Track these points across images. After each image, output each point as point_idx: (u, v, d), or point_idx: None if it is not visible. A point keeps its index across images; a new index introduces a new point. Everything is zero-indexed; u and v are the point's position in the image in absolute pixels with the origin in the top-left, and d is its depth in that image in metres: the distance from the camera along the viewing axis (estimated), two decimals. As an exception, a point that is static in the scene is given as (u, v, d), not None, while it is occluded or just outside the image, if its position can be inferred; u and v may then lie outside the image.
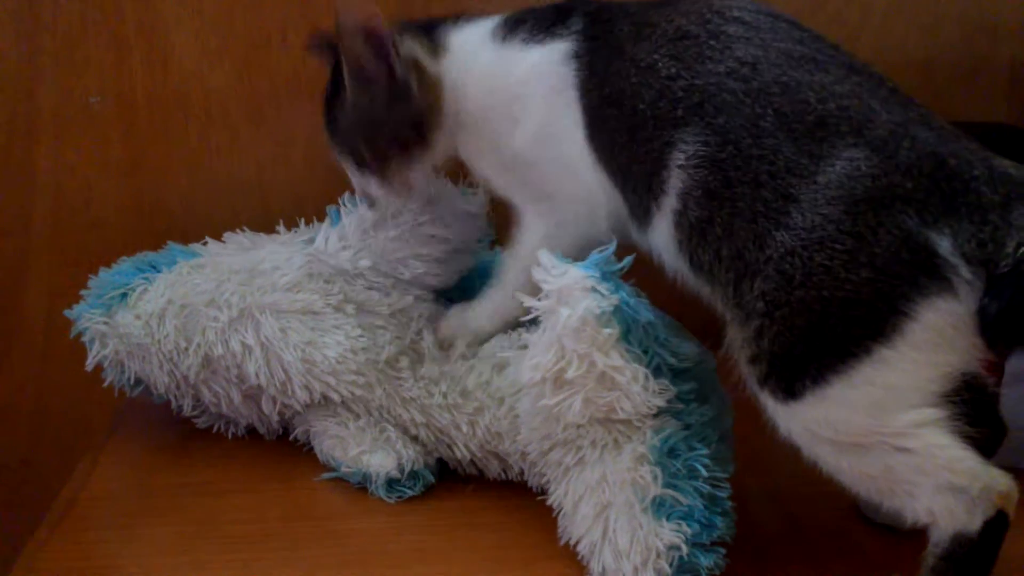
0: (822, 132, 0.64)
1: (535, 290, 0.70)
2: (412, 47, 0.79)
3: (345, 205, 0.89)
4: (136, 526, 0.79)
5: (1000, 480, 0.62)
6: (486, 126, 0.80)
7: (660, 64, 0.71)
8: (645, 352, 0.68)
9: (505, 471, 0.82)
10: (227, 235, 0.95)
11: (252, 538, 0.77)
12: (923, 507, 0.63)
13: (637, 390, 0.67)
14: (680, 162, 0.69)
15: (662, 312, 0.74)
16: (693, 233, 0.69)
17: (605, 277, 0.68)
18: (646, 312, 0.69)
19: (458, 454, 0.83)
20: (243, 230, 0.95)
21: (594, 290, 0.67)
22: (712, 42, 0.69)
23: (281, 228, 0.95)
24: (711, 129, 0.67)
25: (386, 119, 0.79)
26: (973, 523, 0.61)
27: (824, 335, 0.62)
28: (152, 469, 0.88)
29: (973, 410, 0.63)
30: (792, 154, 0.64)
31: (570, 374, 0.67)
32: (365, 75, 0.77)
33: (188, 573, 0.73)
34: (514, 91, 0.78)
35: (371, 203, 0.85)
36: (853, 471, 0.65)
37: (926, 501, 0.62)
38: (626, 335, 0.67)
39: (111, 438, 0.92)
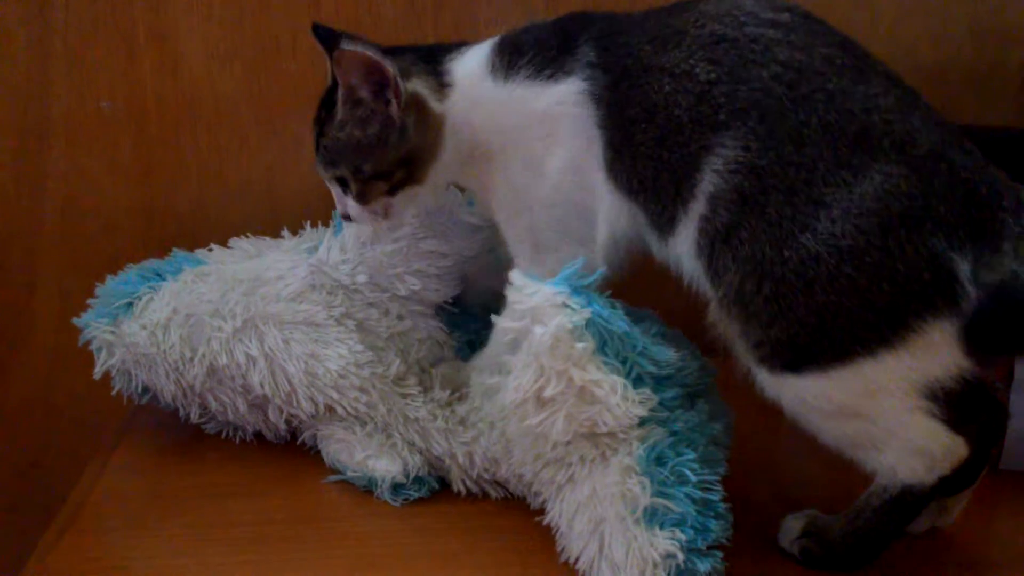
0: (864, 144, 0.65)
1: None
2: (417, 86, 0.77)
3: None
4: (145, 528, 0.79)
5: (961, 446, 0.68)
6: (504, 166, 0.78)
7: (698, 69, 0.70)
8: (623, 362, 0.68)
9: (509, 495, 0.82)
10: (232, 241, 0.95)
11: (260, 540, 0.77)
12: (887, 462, 0.69)
13: (617, 401, 0.67)
14: (716, 167, 0.68)
15: (651, 321, 0.73)
16: (717, 237, 0.69)
17: (576, 291, 0.68)
18: (620, 322, 0.68)
19: (455, 487, 0.82)
20: (249, 236, 0.96)
21: (565, 305, 0.67)
22: (753, 45, 0.69)
23: (286, 233, 0.95)
24: (754, 135, 0.67)
25: (376, 153, 0.78)
26: (929, 479, 0.69)
27: (835, 334, 0.66)
28: (161, 472, 0.88)
29: (968, 400, 0.68)
30: (831, 164, 0.65)
31: (549, 392, 0.67)
32: (360, 107, 0.77)
33: (196, 574, 0.73)
34: (531, 135, 0.77)
35: (348, 219, 0.84)
36: (833, 432, 0.70)
37: (892, 458, 0.69)
38: (602, 347, 0.67)
39: (120, 441, 0.93)
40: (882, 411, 0.67)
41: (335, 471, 0.85)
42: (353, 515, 0.81)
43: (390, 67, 0.74)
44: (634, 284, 0.79)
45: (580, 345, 0.66)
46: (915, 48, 1.08)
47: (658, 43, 0.72)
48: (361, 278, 0.87)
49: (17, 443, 1.16)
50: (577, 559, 0.70)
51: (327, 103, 0.80)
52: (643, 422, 0.69)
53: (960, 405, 0.68)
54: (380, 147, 0.77)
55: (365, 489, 0.83)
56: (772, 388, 0.70)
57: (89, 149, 1.08)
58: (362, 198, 0.80)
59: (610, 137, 0.74)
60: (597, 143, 0.75)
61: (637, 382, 0.69)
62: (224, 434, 0.92)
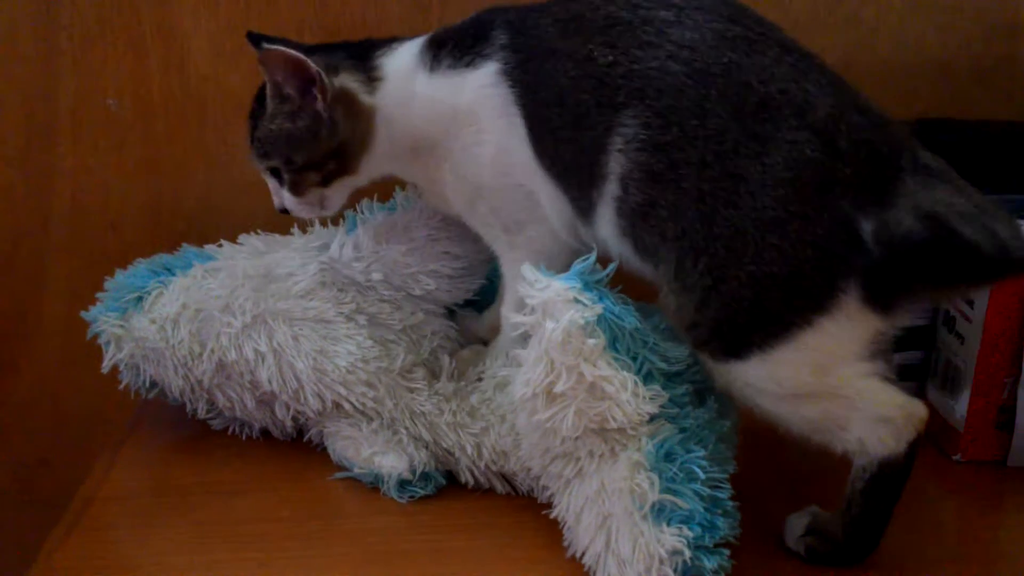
0: (765, 114, 0.67)
1: None
2: (345, 81, 0.79)
3: (362, 213, 0.89)
4: (152, 525, 0.79)
5: (919, 407, 0.70)
6: (445, 156, 0.80)
7: (596, 53, 0.71)
8: (634, 359, 0.68)
9: (515, 489, 0.82)
10: (242, 237, 0.95)
11: (267, 537, 0.77)
12: (854, 438, 0.69)
13: (627, 398, 0.67)
14: (619, 146, 0.70)
15: (658, 317, 0.73)
16: (635, 217, 0.71)
17: (588, 287, 0.68)
18: (632, 318, 0.68)
19: (463, 478, 0.83)
20: (259, 232, 0.96)
21: (577, 300, 0.67)
22: (646, 27, 0.71)
23: (295, 231, 0.95)
24: (652, 111, 0.69)
25: (306, 145, 0.80)
26: (900, 447, 0.69)
27: (770, 306, 0.67)
28: (168, 468, 0.88)
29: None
30: (739, 135, 0.67)
31: (559, 387, 0.67)
32: (287, 102, 0.79)
33: (204, 571, 0.73)
34: (461, 122, 0.78)
35: (283, 210, 0.85)
36: (791, 415, 0.70)
37: (857, 432, 0.69)
38: (613, 343, 0.67)
39: (128, 438, 0.93)
40: (834, 386, 0.68)
41: (341, 468, 0.85)
42: (359, 512, 0.81)
43: (312, 64, 0.77)
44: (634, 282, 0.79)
45: (591, 341, 0.66)
46: (922, 42, 1.08)
47: (560, 26, 0.75)
48: (376, 276, 0.87)
49: (26, 439, 1.16)
50: (583, 553, 0.70)
51: (260, 98, 0.82)
52: (653, 418, 0.69)
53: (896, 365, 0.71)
54: (310, 140, 0.80)
55: (371, 486, 0.83)
56: (722, 377, 0.71)
57: (96, 146, 1.08)
58: (295, 188, 0.82)
59: (529, 119, 0.76)
60: (519, 124, 0.76)
61: (648, 378, 0.69)
62: (231, 430, 0.93)
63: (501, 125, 0.77)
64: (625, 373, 0.67)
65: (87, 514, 0.80)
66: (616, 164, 0.71)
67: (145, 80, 1.06)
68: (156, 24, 1.04)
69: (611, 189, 0.72)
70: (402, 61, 0.81)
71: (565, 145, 0.74)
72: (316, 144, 0.80)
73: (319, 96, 0.78)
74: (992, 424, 0.87)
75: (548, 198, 0.78)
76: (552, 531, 0.74)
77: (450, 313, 0.93)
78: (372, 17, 1.05)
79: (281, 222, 0.98)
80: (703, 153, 0.67)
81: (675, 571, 0.65)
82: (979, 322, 0.85)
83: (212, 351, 0.86)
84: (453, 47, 0.78)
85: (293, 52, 0.76)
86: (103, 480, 0.85)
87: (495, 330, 0.89)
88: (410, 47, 0.81)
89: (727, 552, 0.67)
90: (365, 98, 0.80)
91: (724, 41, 0.69)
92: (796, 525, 0.74)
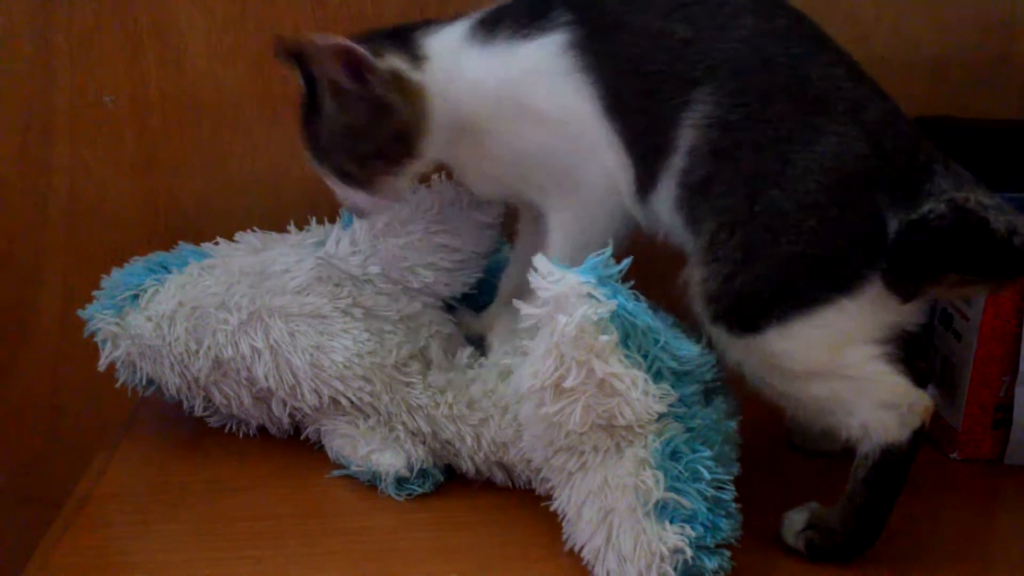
0: (821, 107, 0.71)
1: None
2: (392, 61, 0.79)
3: None
4: (149, 522, 0.79)
5: (924, 397, 0.72)
6: (495, 128, 0.80)
7: (674, 28, 0.74)
8: (645, 357, 0.68)
9: (512, 480, 0.82)
10: (238, 235, 0.95)
11: (264, 535, 0.77)
12: (858, 423, 0.71)
13: (637, 396, 0.67)
14: (692, 121, 0.73)
15: (664, 313, 0.73)
16: (694, 190, 0.73)
17: (602, 282, 0.67)
18: (645, 316, 0.68)
19: (464, 466, 0.83)
20: (255, 230, 0.96)
21: (591, 296, 0.66)
22: (721, 10, 0.74)
23: (292, 228, 0.95)
24: (725, 90, 0.72)
25: (369, 134, 0.79)
26: (903, 434, 0.71)
27: (797, 283, 0.70)
28: (165, 466, 0.88)
29: (911, 350, 0.74)
30: (794, 123, 0.71)
31: (569, 382, 0.66)
32: (343, 95, 0.78)
33: (201, 569, 0.73)
34: (517, 89, 0.78)
35: (359, 214, 0.85)
36: (799, 395, 0.73)
37: (863, 417, 0.71)
38: (625, 340, 0.67)
39: (125, 435, 0.93)
40: (845, 366, 0.71)
41: (339, 466, 0.85)
42: (357, 510, 0.81)
43: (359, 48, 0.76)
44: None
45: (604, 337, 0.66)
46: (919, 42, 1.08)
47: (630, 4, 0.77)
48: (373, 269, 0.87)
49: (22, 437, 1.16)
50: (583, 548, 0.70)
51: (309, 106, 0.81)
52: (661, 417, 0.69)
53: (904, 356, 0.73)
54: (374, 127, 0.79)
55: (369, 484, 0.83)
56: (736, 352, 0.73)
57: (93, 143, 1.08)
58: (368, 183, 0.81)
59: (600, 87, 0.76)
60: (584, 83, 0.77)
61: (657, 377, 0.68)
62: (228, 428, 0.92)
63: (563, 89, 0.77)
64: (636, 371, 0.67)
65: (83, 512, 0.80)
66: (686, 138, 0.73)
67: (142, 77, 1.06)
68: (153, 21, 1.04)
69: (677, 162, 0.74)
70: (447, 40, 0.81)
71: (637, 115, 0.76)
72: (380, 130, 0.79)
73: (372, 78, 0.77)
74: (989, 422, 0.87)
75: (610, 140, 0.78)
76: (551, 527, 0.74)
77: (448, 308, 0.92)
78: (370, 12, 1.05)
79: (278, 220, 0.98)
80: (761, 136, 0.71)
81: (675, 569, 0.65)
82: (976, 320, 0.85)
83: (208, 348, 0.85)
84: (511, 22, 0.79)
85: (339, 40, 0.75)
86: (100, 478, 0.85)
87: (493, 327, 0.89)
88: (454, 28, 0.81)
89: (728, 553, 0.67)
90: (414, 76, 0.79)
91: (790, 35, 0.73)
92: (795, 520, 0.74)
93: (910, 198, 0.69)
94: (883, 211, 0.69)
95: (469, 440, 0.81)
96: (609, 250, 0.69)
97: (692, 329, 0.76)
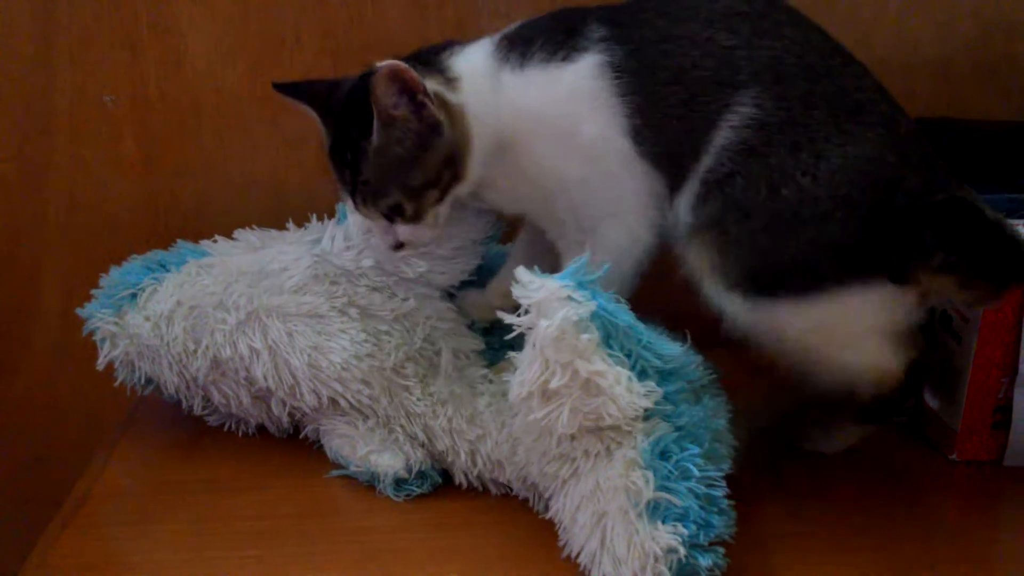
0: (857, 117, 0.75)
1: None
2: (432, 84, 0.78)
3: None
4: (148, 522, 0.79)
5: (900, 370, 0.79)
6: (532, 149, 0.80)
7: (719, 36, 0.77)
8: (628, 356, 0.68)
9: (508, 491, 0.82)
10: (237, 232, 0.95)
11: (263, 534, 0.77)
12: (843, 378, 0.78)
13: (621, 392, 0.67)
14: (733, 122, 0.75)
15: (649, 319, 0.74)
16: (712, 185, 0.76)
17: (581, 285, 0.67)
18: (625, 315, 0.68)
19: (457, 480, 0.83)
20: (254, 228, 0.96)
21: (570, 299, 0.66)
22: (763, 20, 0.77)
23: (291, 225, 0.95)
24: (768, 95, 0.75)
25: (422, 162, 0.78)
26: (869, 393, 0.79)
27: (820, 265, 0.75)
28: (164, 466, 0.88)
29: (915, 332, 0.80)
30: (832, 129, 0.74)
31: (554, 384, 0.66)
32: (393, 125, 0.76)
33: (199, 569, 0.73)
34: (558, 113, 0.78)
35: (398, 247, 0.83)
36: (798, 355, 0.78)
37: (848, 374, 0.78)
38: (607, 339, 0.67)
39: (124, 435, 0.93)
40: (850, 334, 0.77)
41: (338, 466, 0.85)
42: (355, 510, 0.81)
43: (415, 72, 0.75)
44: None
45: (585, 337, 0.66)
46: (920, 42, 1.08)
47: (671, 17, 0.79)
48: (367, 263, 0.86)
49: (21, 437, 1.16)
50: (579, 552, 0.70)
51: (346, 147, 0.79)
52: (648, 416, 0.69)
53: (908, 335, 0.79)
54: (424, 154, 0.78)
55: (368, 484, 0.83)
56: (745, 317, 0.76)
57: (93, 143, 1.08)
58: (417, 215, 0.80)
59: (635, 104, 0.77)
60: (620, 112, 0.78)
61: (642, 375, 0.68)
62: (227, 427, 0.92)
63: (600, 116, 0.78)
64: (619, 368, 0.67)
65: (82, 511, 0.80)
66: (720, 139, 0.76)
67: (142, 77, 1.06)
68: (153, 21, 1.05)
69: (707, 161, 0.76)
70: (474, 61, 0.80)
71: (675, 123, 0.77)
72: (432, 156, 0.78)
73: (427, 101, 0.76)
74: (988, 424, 0.87)
75: (637, 184, 0.79)
76: (548, 529, 0.74)
77: (448, 297, 0.91)
78: (370, 15, 1.05)
79: (278, 219, 0.98)
80: (799, 137, 0.74)
81: (670, 569, 0.64)
82: (975, 322, 0.85)
83: (207, 348, 0.85)
84: (544, 43, 0.79)
85: (403, 65, 0.74)
86: (98, 477, 0.85)
87: (503, 295, 0.87)
88: (478, 47, 0.81)
89: (722, 550, 0.67)
90: (453, 97, 0.79)
91: (825, 48, 0.78)
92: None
93: (932, 207, 0.74)
94: (906, 215, 0.73)
95: (463, 456, 0.81)
96: (586, 256, 0.69)
97: (675, 334, 0.76)
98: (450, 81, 0.79)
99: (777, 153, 0.74)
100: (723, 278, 0.76)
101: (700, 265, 0.77)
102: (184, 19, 1.05)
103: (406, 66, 0.74)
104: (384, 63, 0.74)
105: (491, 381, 0.85)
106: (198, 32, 1.05)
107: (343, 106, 0.80)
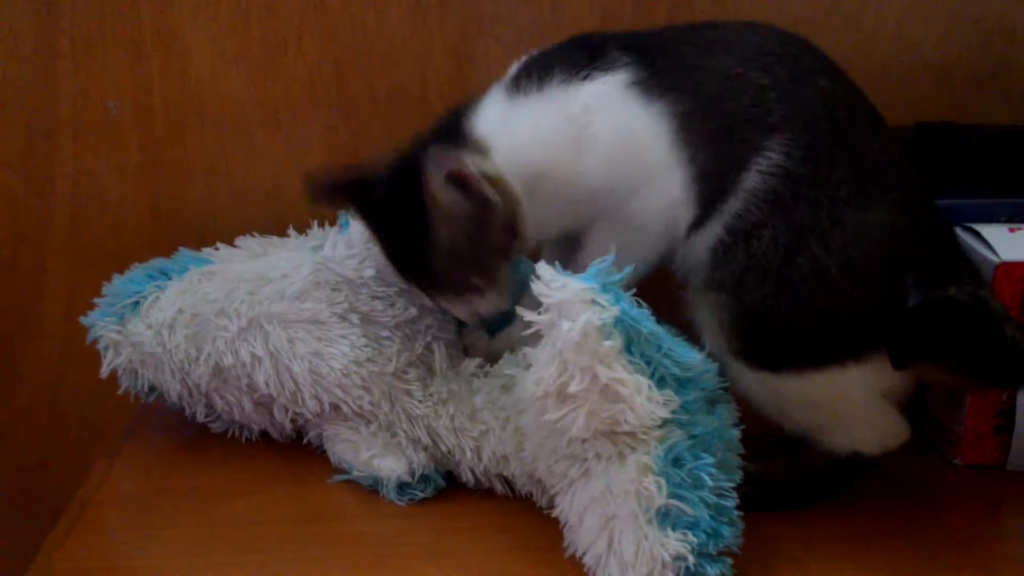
0: (877, 180, 0.73)
1: None
2: (472, 162, 0.75)
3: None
4: (151, 527, 0.79)
5: (907, 431, 0.77)
6: (556, 168, 0.77)
7: (752, 74, 0.74)
8: (648, 363, 0.67)
9: (512, 492, 0.82)
10: (239, 239, 0.96)
11: (266, 540, 0.77)
12: (846, 439, 0.77)
13: (640, 401, 0.66)
14: (761, 167, 0.73)
15: (664, 322, 0.73)
16: (739, 234, 0.74)
17: (605, 288, 0.67)
18: (648, 322, 0.68)
19: (464, 476, 0.83)
20: (255, 235, 0.96)
21: (594, 302, 0.65)
22: (796, 64, 0.75)
23: (292, 232, 0.95)
24: (797, 143, 0.73)
25: (485, 238, 0.77)
26: (876, 451, 0.77)
27: (824, 339, 0.73)
28: (167, 471, 0.88)
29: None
30: (852, 189, 0.72)
31: (572, 388, 0.66)
32: (448, 213, 0.75)
33: (202, 574, 0.73)
34: (579, 122, 0.76)
35: (476, 322, 0.83)
36: (799, 420, 0.77)
37: (852, 436, 0.77)
38: (628, 346, 0.66)
39: (127, 440, 0.93)
40: (851, 405, 0.76)
41: (341, 471, 0.85)
42: (359, 515, 0.81)
43: (466, 165, 0.74)
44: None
45: (607, 343, 0.65)
46: (920, 47, 1.08)
47: (700, 47, 0.77)
48: (368, 272, 0.86)
49: (25, 443, 1.16)
50: (584, 554, 0.70)
51: (404, 250, 0.80)
52: (663, 423, 0.68)
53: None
54: (485, 232, 0.77)
55: (371, 489, 0.83)
56: (748, 381, 0.76)
57: (96, 149, 1.08)
58: (493, 284, 0.80)
59: (672, 117, 0.75)
60: (658, 116, 0.75)
61: (660, 383, 0.68)
62: (230, 433, 0.93)
63: (624, 122, 0.76)
64: (639, 376, 0.66)
65: (85, 516, 0.80)
66: (748, 181, 0.73)
67: (145, 84, 1.06)
68: (156, 28, 1.05)
69: (734, 205, 0.74)
70: (491, 115, 0.78)
71: (708, 151, 0.75)
72: (492, 233, 0.77)
73: (484, 190, 0.75)
74: (992, 428, 0.87)
75: (672, 193, 0.76)
76: (552, 532, 0.74)
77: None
78: (371, 20, 1.05)
79: (280, 226, 0.99)
80: (820, 194, 0.72)
81: (677, 576, 0.64)
82: (978, 326, 0.85)
83: (209, 355, 0.86)
84: (564, 65, 0.77)
85: (464, 167, 0.73)
86: (102, 483, 0.85)
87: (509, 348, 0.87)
88: (490, 98, 0.79)
89: (730, 561, 0.67)
90: (490, 167, 0.77)
91: (854, 103, 0.76)
92: None
93: (936, 283, 0.72)
94: (910, 290, 0.72)
95: (469, 453, 0.81)
96: (611, 256, 0.69)
97: (692, 340, 0.76)
98: (481, 151, 0.77)
99: (800, 209, 0.72)
100: (727, 343, 0.75)
101: (709, 323, 0.76)
102: (187, 25, 1.05)
103: (466, 166, 0.73)
104: (435, 162, 0.72)
105: (486, 374, 0.85)
106: (201, 38, 1.05)
107: (387, 203, 0.79)
